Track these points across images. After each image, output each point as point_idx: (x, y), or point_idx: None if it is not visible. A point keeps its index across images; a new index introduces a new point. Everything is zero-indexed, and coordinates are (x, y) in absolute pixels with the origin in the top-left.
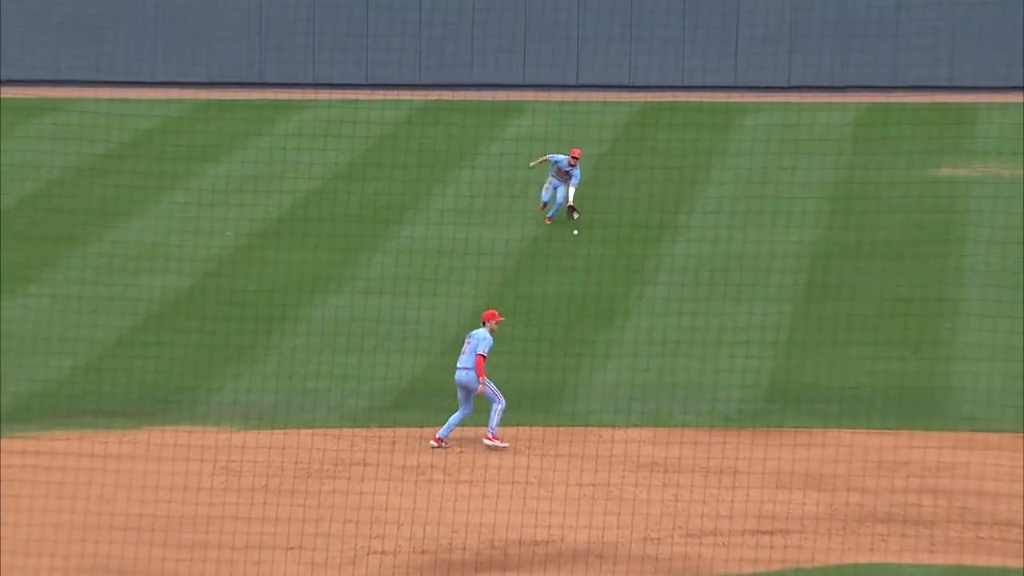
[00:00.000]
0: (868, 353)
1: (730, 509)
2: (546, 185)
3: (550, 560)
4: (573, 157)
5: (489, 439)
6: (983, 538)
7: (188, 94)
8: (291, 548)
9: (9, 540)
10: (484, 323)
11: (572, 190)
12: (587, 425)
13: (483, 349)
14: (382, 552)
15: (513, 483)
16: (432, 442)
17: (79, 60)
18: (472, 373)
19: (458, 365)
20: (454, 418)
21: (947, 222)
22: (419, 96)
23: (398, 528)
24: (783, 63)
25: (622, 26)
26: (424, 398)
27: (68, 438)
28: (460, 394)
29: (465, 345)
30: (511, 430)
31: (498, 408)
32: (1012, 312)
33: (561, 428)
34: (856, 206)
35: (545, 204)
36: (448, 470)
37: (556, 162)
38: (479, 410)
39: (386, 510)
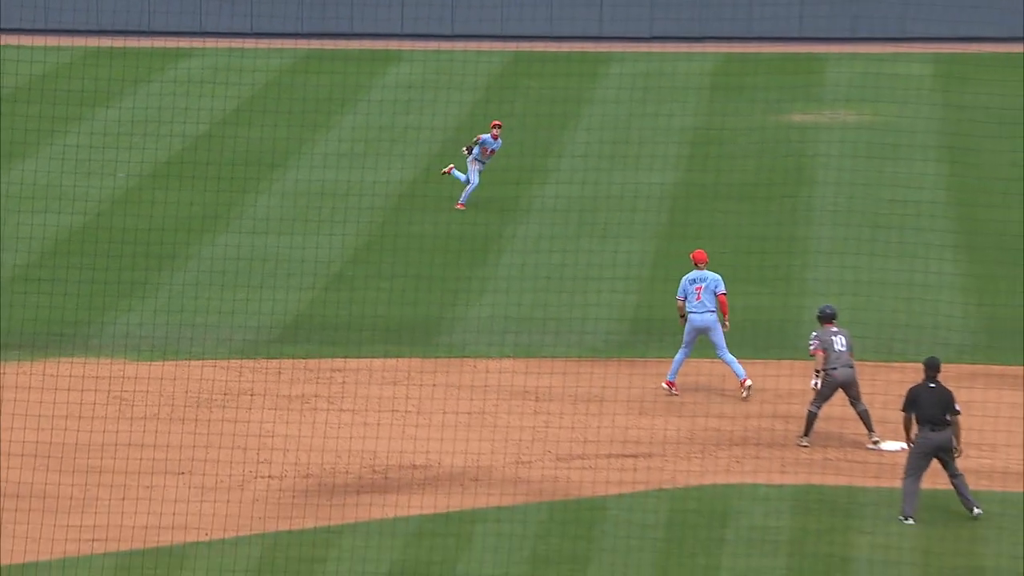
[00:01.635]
0: (729, 287)
1: (596, 435)
2: (473, 167)
3: (428, 483)
4: (495, 127)
5: (667, 384)
6: (830, 459)
7: (79, 41)
8: (182, 473)
9: None
10: (697, 264)
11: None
12: (463, 357)
13: (723, 288)
14: (269, 476)
15: (393, 411)
16: (664, 385)
17: None
18: (714, 315)
19: (693, 309)
20: (679, 358)
21: (798, 165)
22: (302, 46)
23: (284, 454)
24: (645, 15)
25: None
26: (308, 332)
27: None
28: (690, 336)
29: (692, 288)
30: (392, 361)
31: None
32: (858, 249)
33: (439, 359)
34: (713, 151)
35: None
36: (331, 399)
37: (483, 142)
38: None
39: (272, 437)
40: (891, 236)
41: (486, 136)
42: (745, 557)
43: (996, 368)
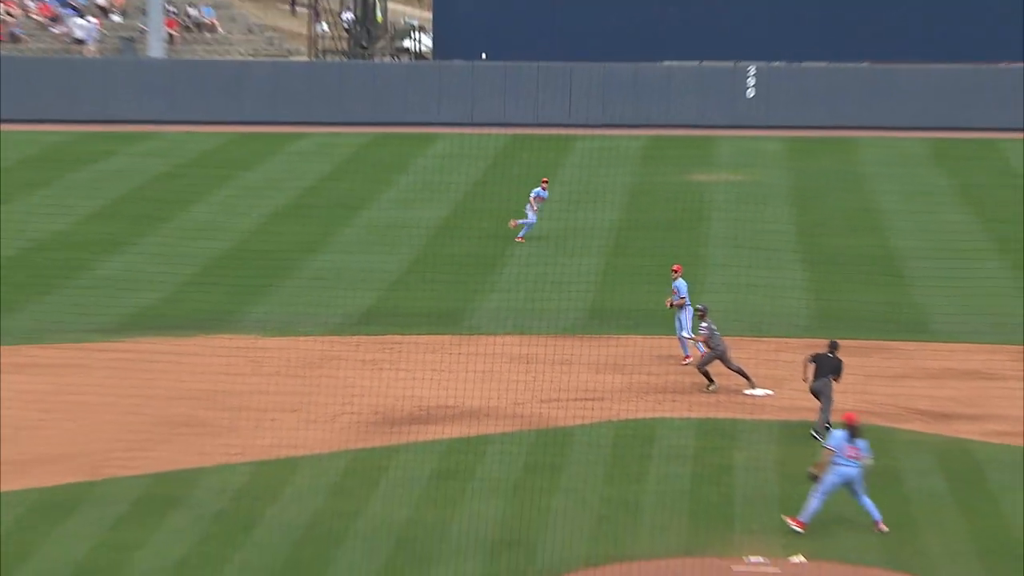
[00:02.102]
0: (653, 288)
1: (567, 385)
2: (531, 211)
3: (455, 418)
4: (544, 182)
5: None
6: (721, 402)
7: (223, 128)
8: (294, 411)
9: (122, 402)
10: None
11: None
12: (479, 335)
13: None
14: (351, 413)
15: (432, 371)
16: None
17: None
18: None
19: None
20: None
21: (698, 208)
22: (373, 131)
23: (361, 399)
24: (598, 109)
25: None
26: (377, 318)
27: (152, 342)
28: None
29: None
30: (432, 338)
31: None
32: (737, 263)
33: (463, 336)
34: (644, 198)
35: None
36: (392, 363)
37: (537, 194)
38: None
39: (353, 387)
40: (759, 255)
41: (537, 189)
42: (665, 466)
43: (825, 340)
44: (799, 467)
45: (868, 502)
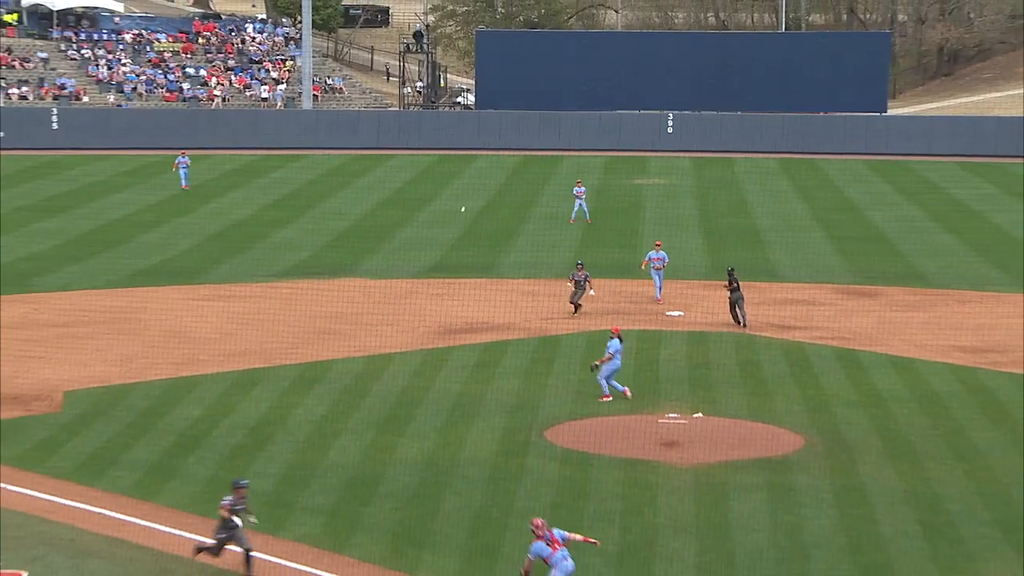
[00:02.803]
0: (614, 250)
1: (558, 310)
2: (577, 203)
3: (488, 330)
4: (579, 183)
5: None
6: (652, 319)
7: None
8: (390, 324)
9: (285, 319)
10: (657, 247)
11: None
12: (501, 278)
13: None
14: (424, 326)
15: (470, 299)
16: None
17: None
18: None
19: (655, 266)
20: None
21: (637, 201)
22: (431, 154)
23: (426, 318)
24: (576, 138)
25: None
26: (440, 269)
27: (303, 283)
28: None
29: (654, 255)
30: (471, 280)
31: None
32: (659, 236)
33: (491, 279)
34: (602, 195)
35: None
36: (447, 295)
37: (576, 192)
38: None
39: (422, 311)
40: (673, 229)
41: (577, 188)
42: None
43: (720, 282)
44: (699, 359)
45: (616, 384)
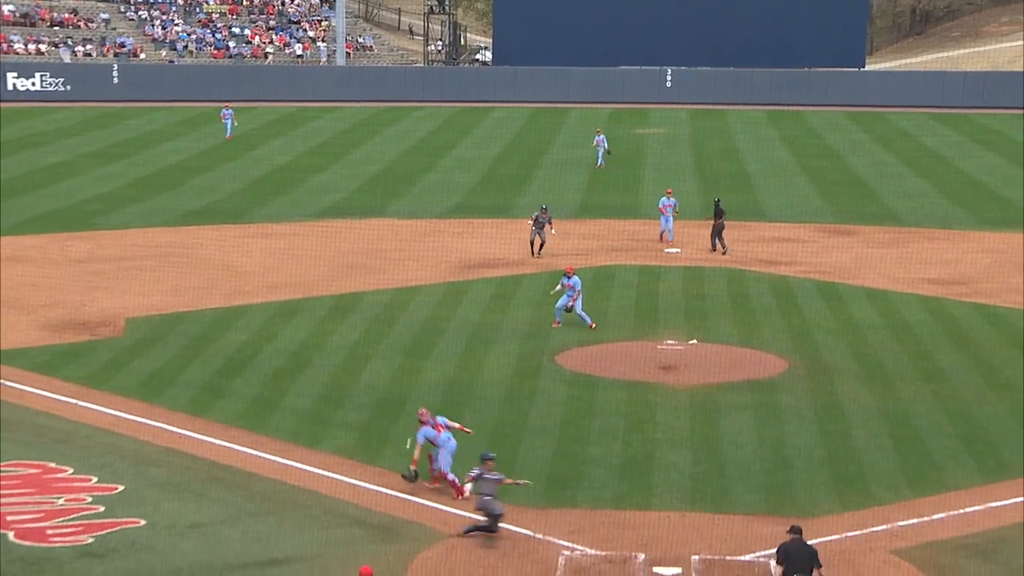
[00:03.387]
0: (619, 193)
1: (567, 248)
2: (600, 150)
3: (503, 265)
4: (599, 132)
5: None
6: (651, 255)
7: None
8: (415, 260)
9: (321, 254)
10: (667, 193)
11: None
12: (516, 218)
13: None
14: (446, 261)
15: (490, 239)
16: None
17: None
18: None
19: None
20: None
21: (639, 148)
22: (448, 106)
23: (451, 254)
24: (583, 91)
25: None
26: (465, 210)
27: (337, 222)
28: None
29: (666, 201)
30: (491, 220)
31: None
32: (659, 181)
33: (507, 220)
34: (613, 143)
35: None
36: (469, 235)
37: (598, 140)
38: None
39: (447, 248)
40: (671, 174)
41: (597, 137)
42: (620, 291)
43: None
44: (694, 292)
45: (583, 313)
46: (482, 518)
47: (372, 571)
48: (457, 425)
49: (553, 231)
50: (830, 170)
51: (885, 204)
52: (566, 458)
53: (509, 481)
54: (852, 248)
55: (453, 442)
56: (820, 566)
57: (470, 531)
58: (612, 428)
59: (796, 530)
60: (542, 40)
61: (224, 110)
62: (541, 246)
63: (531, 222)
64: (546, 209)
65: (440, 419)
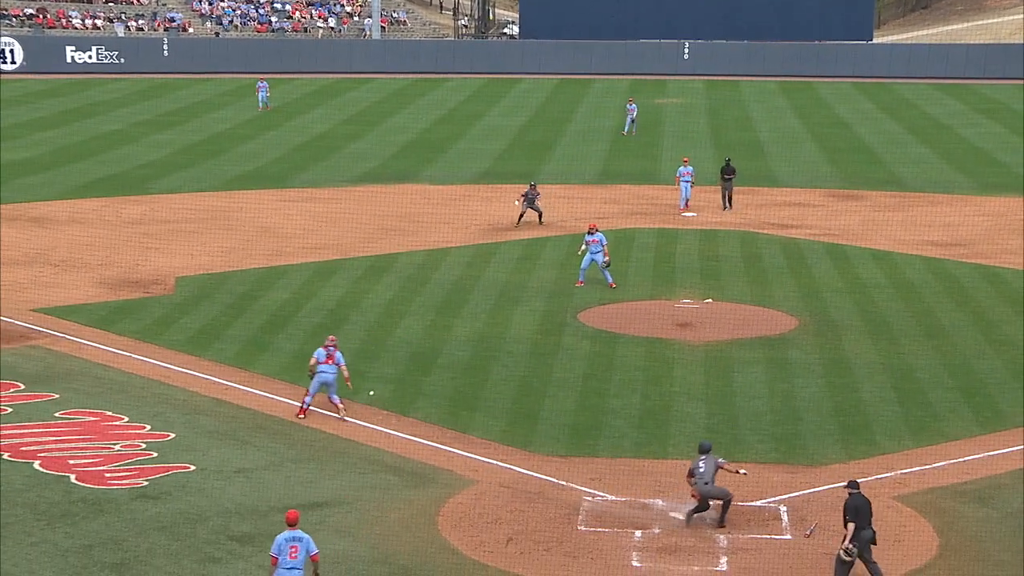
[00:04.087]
0: (639, 160)
1: (589, 212)
2: (628, 120)
3: (530, 229)
4: (631, 101)
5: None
6: (668, 219)
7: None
8: (446, 223)
9: (358, 218)
10: (684, 161)
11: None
12: (542, 184)
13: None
14: (476, 224)
15: (517, 204)
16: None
17: None
18: (688, 184)
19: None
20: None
21: (658, 117)
22: (480, 77)
23: (480, 217)
24: (605, 62)
25: None
26: (492, 177)
27: (372, 188)
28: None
29: (683, 171)
30: (513, 185)
31: None
32: (676, 147)
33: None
34: (639, 115)
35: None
36: (497, 199)
37: (629, 108)
38: None
39: (476, 212)
40: (688, 141)
41: (629, 105)
42: (638, 252)
43: (717, 187)
44: (709, 253)
45: (607, 272)
46: (706, 503)
47: (298, 514)
48: (347, 375)
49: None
50: (838, 138)
51: (890, 170)
52: (588, 410)
53: (730, 467)
54: (859, 212)
55: (329, 376)
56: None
57: (691, 514)
58: (631, 381)
59: (855, 485)
60: (566, 15)
61: (260, 83)
62: (540, 216)
63: (521, 198)
64: (535, 185)
65: (339, 357)
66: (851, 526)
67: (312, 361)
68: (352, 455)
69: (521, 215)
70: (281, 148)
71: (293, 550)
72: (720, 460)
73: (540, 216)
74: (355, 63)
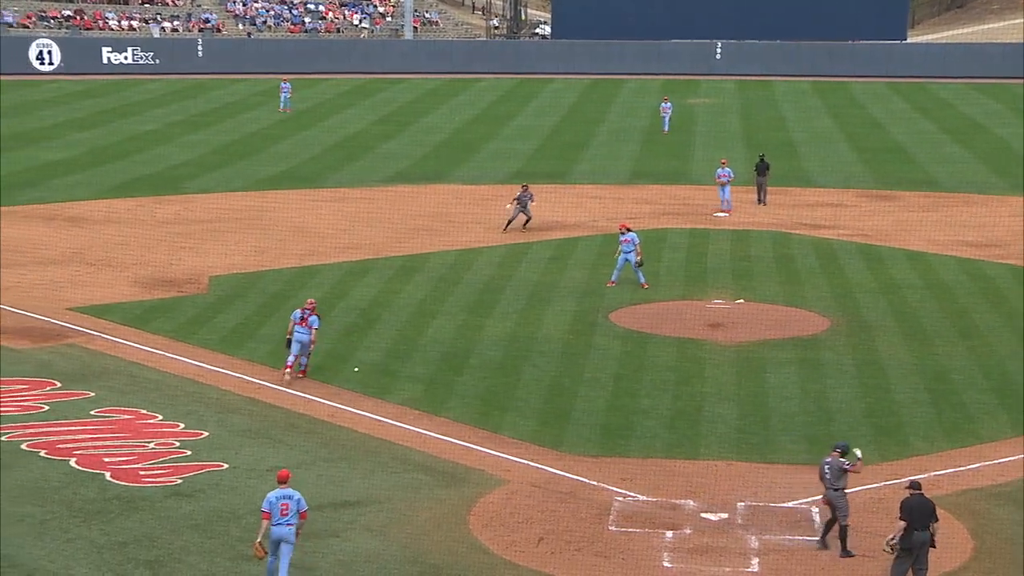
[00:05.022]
0: (671, 159)
1: (621, 212)
2: (667, 116)
3: (562, 227)
4: (665, 99)
5: None
6: (700, 219)
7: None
8: (478, 223)
9: (390, 217)
10: (722, 164)
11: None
12: (574, 184)
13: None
14: (496, 229)
15: (549, 203)
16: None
17: None
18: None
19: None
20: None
21: (691, 116)
22: (510, 77)
23: (498, 226)
24: (632, 63)
25: None
26: (521, 175)
27: (404, 188)
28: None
29: (720, 170)
30: (545, 185)
31: None
32: (708, 144)
33: (565, 185)
34: (674, 114)
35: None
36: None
37: (664, 107)
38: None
39: (508, 211)
40: (720, 141)
41: (664, 104)
42: (670, 253)
43: (751, 188)
44: (741, 254)
45: (639, 271)
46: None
47: (289, 473)
48: (313, 341)
49: (533, 201)
50: (872, 138)
51: (924, 170)
52: (619, 410)
53: (853, 468)
54: (892, 212)
55: (305, 337)
56: (937, 520)
57: (824, 534)
58: (662, 382)
59: (915, 485)
60: (598, 15)
61: (283, 84)
62: (527, 221)
63: (514, 201)
64: (527, 186)
65: (314, 321)
66: (901, 524)
67: (290, 325)
68: (384, 454)
69: (510, 220)
70: (314, 148)
71: (284, 507)
72: (844, 461)
73: (527, 221)
74: (387, 63)
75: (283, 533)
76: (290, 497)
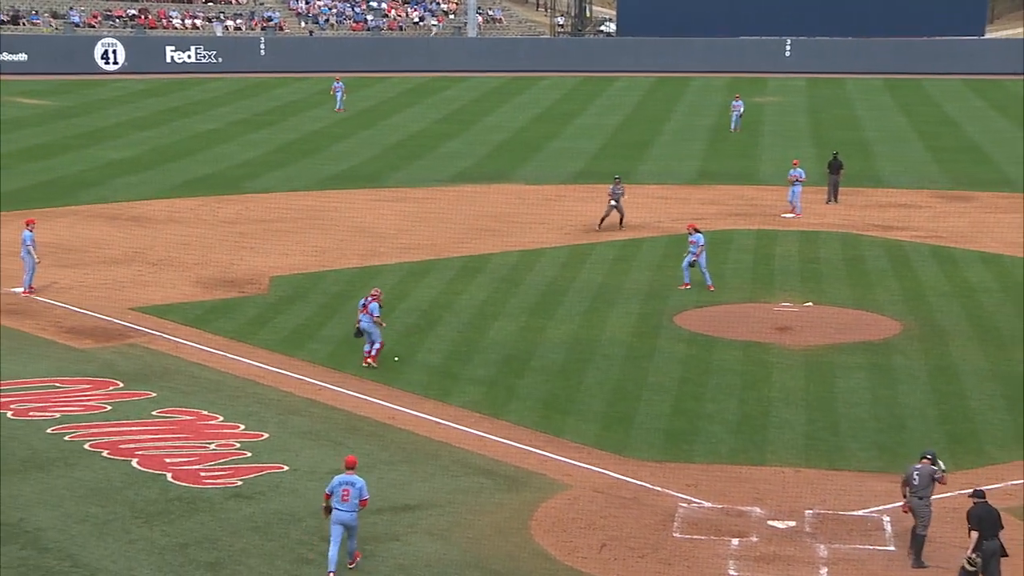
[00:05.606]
0: (740, 159)
1: (687, 212)
2: (737, 115)
3: (626, 230)
4: (737, 97)
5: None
6: (768, 220)
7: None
8: (541, 224)
9: (452, 218)
10: (795, 165)
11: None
12: (638, 184)
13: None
14: (570, 225)
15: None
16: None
17: None
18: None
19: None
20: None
21: (758, 116)
22: (576, 76)
23: (576, 217)
24: (692, 60)
25: None
26: (584, 175)
27: (466, 187)
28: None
29: (793, 172)
30: (608, 187)
31: None
32: (775, 143)
33: (628, 184)
34: (727, 114)
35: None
36: (591, 199)
37: (735, 105)
38: None
39: (570, 212)
40: (788, 140)
41: (735, 102)
42: (736, 255)
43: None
44: (809, 255)
45: (706, 272)
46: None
47: (355, 459)
48: (377, 320)
49: (625, 196)
50: (946, 137)
51: (1000, 170)
52: (684, 414)
53: (942, 479)
54: (968, 213)
55: (363, 323)
56: (1003, 528)
57: (917, 552)
58: (728, 386)
59: (980, 494)
60: (664, 11)
61: (335, 83)
62: (621, 219)
63: (611, 200)
64: (619, 180)
65: (374, 308)
66: (975, 535)
67: (358, 313)
68: (444, 458)
69: (604, 216)
70: (375, 147)
71: (345, 492)
72: (936, 469)
73: (622, 219)
74: (451, 61)
75: (343, 518)
76: (352, 484)
